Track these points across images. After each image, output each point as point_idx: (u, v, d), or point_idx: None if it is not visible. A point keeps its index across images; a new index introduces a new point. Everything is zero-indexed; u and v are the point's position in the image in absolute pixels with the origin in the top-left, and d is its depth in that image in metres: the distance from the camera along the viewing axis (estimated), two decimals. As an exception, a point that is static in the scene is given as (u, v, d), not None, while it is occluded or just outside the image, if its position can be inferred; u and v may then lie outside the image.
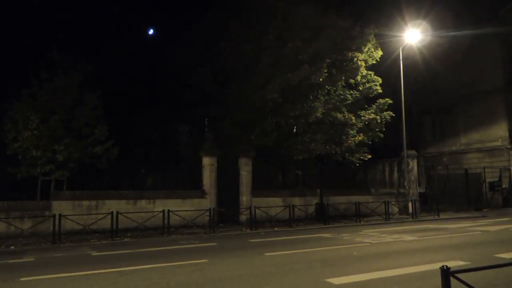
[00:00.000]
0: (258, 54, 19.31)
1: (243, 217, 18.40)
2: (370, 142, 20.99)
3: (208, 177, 18.37)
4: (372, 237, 13.62)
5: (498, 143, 27.92)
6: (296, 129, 20.91)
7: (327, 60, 19.19)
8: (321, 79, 18.97)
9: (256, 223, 16.59)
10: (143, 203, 16.80)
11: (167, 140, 28.12)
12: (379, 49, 21.22)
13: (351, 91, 21.04)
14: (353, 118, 20.00)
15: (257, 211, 16.83)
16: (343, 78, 20.47)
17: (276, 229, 16.62)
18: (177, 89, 24.39)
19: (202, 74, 21.94)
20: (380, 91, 21.32)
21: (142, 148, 27.87)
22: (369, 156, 21.22)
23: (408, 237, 13.34)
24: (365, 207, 19.54)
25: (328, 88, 20.39)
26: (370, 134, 20.75)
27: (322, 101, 19.97)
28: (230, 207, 18.29)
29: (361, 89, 21.24)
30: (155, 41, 29.75)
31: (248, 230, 16.20)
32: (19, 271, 8.93)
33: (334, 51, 19.47)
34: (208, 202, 17.88)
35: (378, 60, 21.44)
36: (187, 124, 27.70)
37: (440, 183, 26.60)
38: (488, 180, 26.54)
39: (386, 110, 21.09)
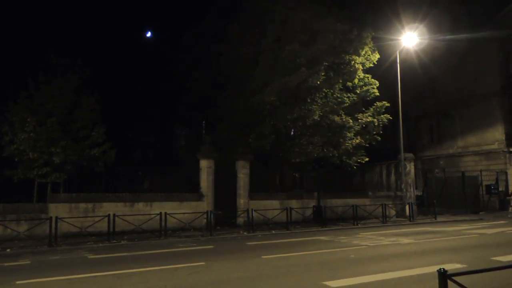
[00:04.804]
0: (256, 57, 19.35)
1: (240, 220, 18.37)
2: (368, 145, 21.04)
3: (206, 180, 18.34)
4: (369, 240, 13.63)
5: (495, 146, 27.99)
6: (294, 132, 20.94)
7: (324, 63, 19.26)
8: (318, 82, 19.02)
9: (253, 226, 16.55)
10: (140, 205, 16.75)
11: (164, 143, 28.13)
12: (377, 52, 21.33)
13: (349, 94, 21.11)
14: (351, 121, 20.06)
15: (254, 213, 16.80)
16: (341, 81, 20.56)
17: (273, 231, 16.60)
18: (175, 91, 24.40)
19: (200, 77, 21.96)
20: (378, 94, 21.42)
21: (140, 150, 27.87)
22: (367, 159, 21.26)
23: (405, 240, 13.35)
24: (363, 210, 19.54)
25: (326, 91, 20.43)
26: (367, 137, 20.80)
27: (319, 104, 20.02)
28: (228, 210, 18.26)
29: (358, 92, 21.32)
30: (153, 43, 29.80)
31: (245, 233, 16.17)
32: (15, 274, 8.87)
33: (332, 54, 19.54)
34: (205, 205, 17.85)
35: (376, 63, 21.54)
36: (185, 126, 27.71)
37: (437, 186, 26.65)
38: (485, 183, 26.63)
39: (384, 113, 21.17)
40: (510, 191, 23.16)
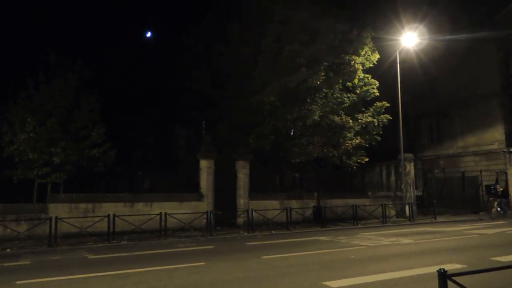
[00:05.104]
0: (256, 57, 19.34)
1: (240, 220, 18.37)
2: (368, 145, 21.04)
3: (206, 180, 18.34)
4: (369, 240, 13.63)
5: (495, 147, 27.99)
6: (294, 132, 20.94)
7: (324, 63, 19.27)
8: (318, 82, 19.03)
9: (253, 226, 16.56)
10: (140, 206, 16.74)
11: (164, 143, 28.10)
12: (376, 52, 21.33)
13: (349, 94, 21.12)
14: (351, 121, 20.07)
15: (254, 214, 16.80)
16: (341, 81, 20.56)
17: (273, 232, 16.60)
18: (175, 91, 24.38)
19: (200, 77, 21.95)
20: (377, 94, 21.43)
21: (140, 150, 27.84)
22: (367, 159, 21.27)
23: (405, 240, 13.35)
24: (363, 210, 19.54)
25: (326, 91, 20.44)
26: (367, 137, 20.81)
27: (319, 104, 20.03)
28: (228, 210, 18.26)
29: (358, 92, 21.33)
30: (153, 44, 29.78)
31: (245, 233, 16.17)
32: (15, 274, 8.88)
33: (332, 54, 19.54)
34: (205, 205, 17.85)
35: (375, 63, 21.54)
36: (185, 126, 27.68)
37: (437, 186, 26.64)
38: (485, 183, 26.60)
39: (383, 113, 21.18)
40: (499, 191, 22.64)
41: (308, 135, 19.85)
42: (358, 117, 20.78)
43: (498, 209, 21.49)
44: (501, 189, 22.46)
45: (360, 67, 20.55)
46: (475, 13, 27.59)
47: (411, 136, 32.44)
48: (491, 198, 22.61)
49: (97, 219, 14.62)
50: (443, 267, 4.12)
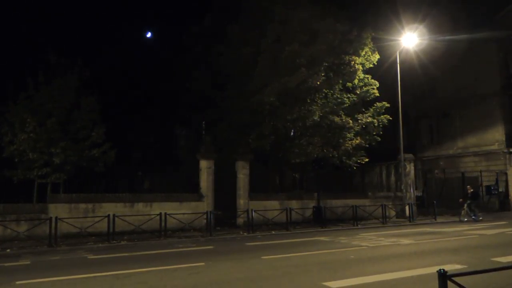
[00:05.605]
0: (256, 57, 19.35)
1: (240, 220, 18.37)
2: (367, 146, 21.06)
3: (205, 180, 18.34)
4: (369, 240, 13.63)
5: (495, 147, 28.01)
6: (294, 132, 20.94)
7: (324, 64, 19.28)
8: (318, 83, 19.03)
9: (253, 226, 16.56)
10: (140, 206, 16.74)
11: (164, 143, 28.11)
12: (376, 52, 21.35)
13: (349, 95, 21.12)
14: (351, 121, 20.07)
15: (254, 214, 16.80)
16: (341, 81, 20.58)
17: (273, 232, 16.60)
18: (175, 91, 24.39)
19: (200, 77, 21.95)
20: (377, 94, 21.43)
21: (140, 151, 27.84)
22: (366, 160, 21.28)
23: (405, 241, 13.35)
24: (362, 211, 19.54)
25: (326, 91, 20.45)
26: (367, 137, 20.82)
27: (319, 105, 20.03)
28: (228, 210, 18.26)
29: (358, 92, 21.34)
30: (153, 44, 29.80)
31: (245, 233, 16.17)
32: (15, 274, 8.87)
33: (332, 54, 19.55)
34: (205, 205, 17.84)
35: (375, 63, 21.55)
36: (185, 127, 27.69)
37: (437, 186, 26.65)
38: (485, 184, 26.62)
39: (383, 114, 21.19)
40: (469, 192, 21.74)
41: (308, 135, 19.85)
42: (358, 118, 20.78)
43: (468, 211, 20.56)
44: (471, 190, 21.21)
45: (360, 67, 20.57)
46: (475, 13, 27.60)
47: (411, 136, 32.43)
48: (461, 200, 21.09)
49: (97, 219, 14.61)
50: (443, 268, 4.12)
